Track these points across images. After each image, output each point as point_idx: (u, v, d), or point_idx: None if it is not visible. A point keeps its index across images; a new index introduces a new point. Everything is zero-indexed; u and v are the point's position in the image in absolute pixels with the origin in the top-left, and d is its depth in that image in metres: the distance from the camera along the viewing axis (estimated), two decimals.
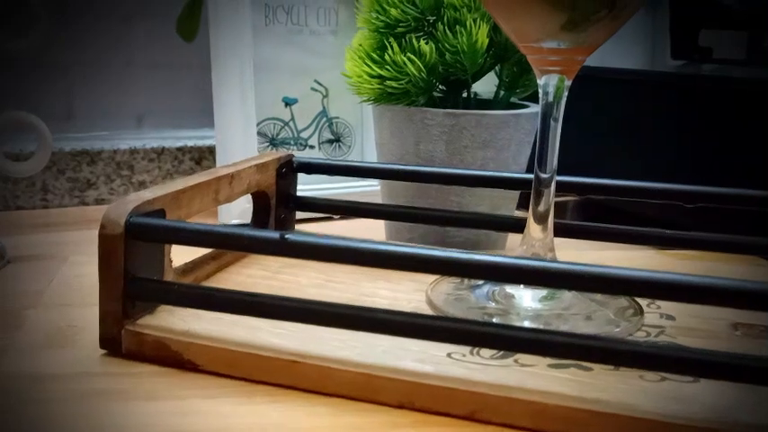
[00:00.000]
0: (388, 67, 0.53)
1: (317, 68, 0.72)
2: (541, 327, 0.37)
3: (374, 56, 0.53)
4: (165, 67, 0.76)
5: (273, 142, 0.70)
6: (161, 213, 0.36)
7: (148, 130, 0.75)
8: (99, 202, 0.72)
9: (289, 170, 0.50)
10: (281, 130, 0.70)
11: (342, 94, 0.72)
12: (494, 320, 0.39)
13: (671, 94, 0.62)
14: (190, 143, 0.76)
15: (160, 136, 0.76)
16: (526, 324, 0.38)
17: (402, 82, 0.52)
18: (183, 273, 0.41)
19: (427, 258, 0.30)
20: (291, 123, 0.71)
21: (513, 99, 0.58)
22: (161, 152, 0.74)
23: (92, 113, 0.73)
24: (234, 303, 0.33)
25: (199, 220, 0.50)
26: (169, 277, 0.37)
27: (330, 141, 0.73)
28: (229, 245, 0.36)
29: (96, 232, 0.34)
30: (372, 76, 0.53)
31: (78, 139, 0.72)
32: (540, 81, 0.39)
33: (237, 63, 0.65)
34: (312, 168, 0.51)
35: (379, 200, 0.58)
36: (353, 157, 0.74)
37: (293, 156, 0.51)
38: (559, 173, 0.41)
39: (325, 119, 0.72)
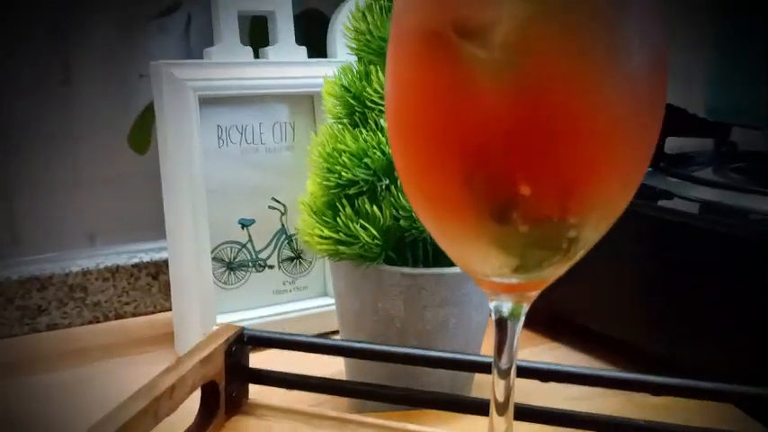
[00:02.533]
0: (340, 230, 0.50)
1: (275, 186, 0.69)
2: None
3: (326, 217, 0.51)
4: (116, 181, 0.73)
5: (231, 266, 0.68)
6: None
7: (101, 248, 0.72)
8: (51, 327, 0.69)
9: (239, 347, 0.48)
10: (238, 252, 0.68)
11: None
12: None
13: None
14: (146, 258, 0.74)
15: (114, 251, 0.73)
16: None
17: (355, 247, 0.50)
18: None
19: None
20: (249, 245, 0.69)
21: None
22: (116, 270, 0.72)
23: (39, 236, 0.70)
24: None
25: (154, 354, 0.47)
26: None
27: (290, 259, 0.71)
28: None
29: None
30: (324, 238, 0.51)
31: (26, 263, 0.69)
32: (491, 304, 0.37)
33: (188, 192, 0.62)
34: (264, 342, 0.49)
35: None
36: (315, 275, 0.72)
37: (243, 330, 0.49)
38: None
39: (284, 236, 0.70)
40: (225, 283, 0.68)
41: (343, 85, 0.52)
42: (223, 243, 0.67)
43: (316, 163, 0.53)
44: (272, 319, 0.67)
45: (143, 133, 0.71)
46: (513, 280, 0.35)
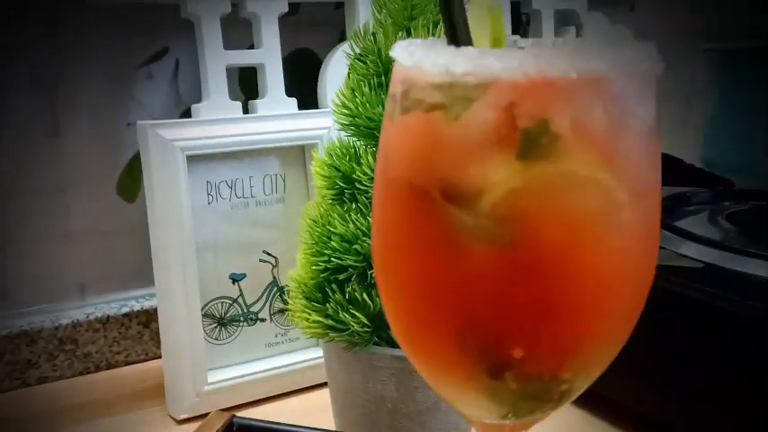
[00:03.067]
0: (329, 315, 0.50)
1: (266, 239, 0.69)
2: None
3: (316, 301, 0.51)
4: (105, 230, 0.72)
5: (222, 322, 0.67)
6: None
7: (92, 298, 0.72)
8: (42, 381, 0.69)
9: None
10: (229, 308, 0.68)
11: (293, 262, 0.69)
12: None
13: None
14: (136, 306, 0.73)
15: (104, 301, 0.72)
16: None
17: (344, 333, 0.49)
18: None
19: None
20: (240, 299, 0.68)
21: None
22: (106, 321, 0.71)
23: (28, 288, 0.70)
24: None
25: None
26: None
27: (282, 311, 0.70)
28: None
29: None
30: (314, 322, 0.50)
31: (15, 316, 0.69)
32: None
33: (178, 251, 0.62)
34: (254, 430, 0.48)
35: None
36: None
37: (233, 419, 0.49)
38: None
39: (275, 288, 0.70)
40: (216, 338, 0.67)
41: (332, 165, 0.51)
42: (214, 299, 0.67)
43: (305, 243, 0.52)
44: (264, 375, 0.67)
45: (132, 181, 0.70)
46: (505, 422, 0.34)
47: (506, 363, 0.31)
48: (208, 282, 0.66)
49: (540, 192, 0.28)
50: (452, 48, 0.29)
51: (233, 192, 0.67)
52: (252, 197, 0.68)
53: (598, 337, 0.31)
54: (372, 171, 0.50)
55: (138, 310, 0.73)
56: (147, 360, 0.73)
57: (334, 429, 0.47)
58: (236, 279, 0.68)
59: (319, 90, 0.71)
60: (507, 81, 0.28)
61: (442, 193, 0.29)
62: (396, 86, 0.32)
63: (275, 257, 0.70)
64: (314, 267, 0.50)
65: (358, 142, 0.52)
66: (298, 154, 0.70)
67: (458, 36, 0.33)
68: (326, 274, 0.50)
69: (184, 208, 0.63)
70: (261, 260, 0.69)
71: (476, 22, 0.34)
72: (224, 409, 0.61)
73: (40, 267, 0.70)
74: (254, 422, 0.49)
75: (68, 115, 0.69)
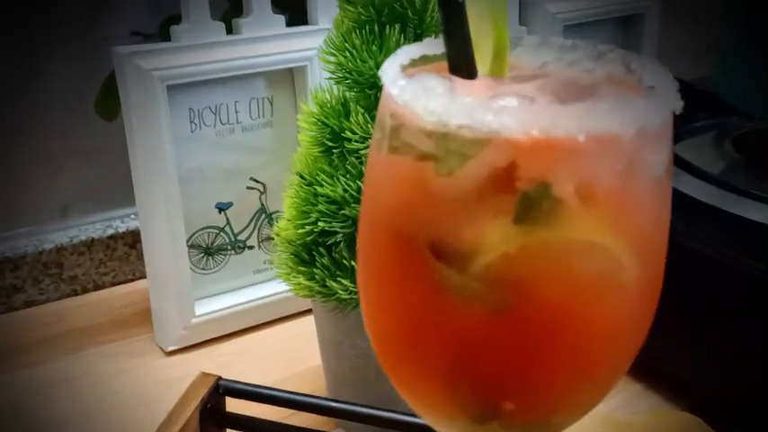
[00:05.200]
0: (316, 280, 0.49)
1: (253, 166, 0.66)
2: None
3: (302, 265, 0.49)
4: (86, 151, 0.70)
5: (208, 252, 0.66)
6: None
7: (75, 220, 0.70)
8: (28, 305, 0.69)
9: (215, 401, 0.48)
10: (216, 237, 0.66)
11: (282, 187, 0.67)
12: None
13: None
14: (122, 227, 0.72)
15: (88, 222, 0.71)
16: None
17: (331, 298, 0.48)
18: None
19: None
20: (227, 228, 0.67)
21: None
22: (91, 243, 0.70)
23: (10, 212, 0.68)
24: None
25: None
26: None
27: (271, 238, 0.69)
28: None
29: None
30: (302, 286, 0.49)
31: None
32: None
33: (160, 185, 0.60)
34: (240, 394, 0.48)
35: None
36: None
37: (219, 382, 0.48)
38: None
39: (263, 216, 0.68)
40: (203, 268, 0.66)
41: (319, 120, 0.48)
42: (200, 229, 0.65)
43: (291, 198, 0.50)
44: (252, 304, 0.66)
45: (110, 101, 0.67)
46: None
47: (495, 413, 0.29)
48: (193, 212, 0.64)
49: (537, 258, 0.26)
50: (448, 94, 0.26)
51: (217, 118, 0.64)
52: (238, 123, 0.65)
53: (590, 389, 0.30)
54: (363, 130, 0.47)
55: (123, 231, 0.71)
56: (135, 280, 0.72)
57: (321, 400, 0.47)
58: (222, 208, 0.66)
59: (309, 5, 0.66)
60: (507, 139, 0.25)
61: (432, 249, 0.27)
62: (384, 117, 0.29)
63: (263, 184, 0.67)
64: (300, 230, 0.48)
65: (349, 93, 0.49)
66: (286, 76, 0.66)
67: (459, 66, 0.29)
68: (313, 236, 0.49)
69: (165, 139, 0.60)
70: (248, 187, 0.67)
71: (477, 26, 0.31)
72: (211, 340, 0.62)
73: (20, 190, 0.68)
74: (239, 385, 0.48)
75: (42, 30, 0.65)
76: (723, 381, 0.55)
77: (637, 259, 0.27)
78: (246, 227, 0.68)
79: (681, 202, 0.58)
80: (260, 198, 0.68)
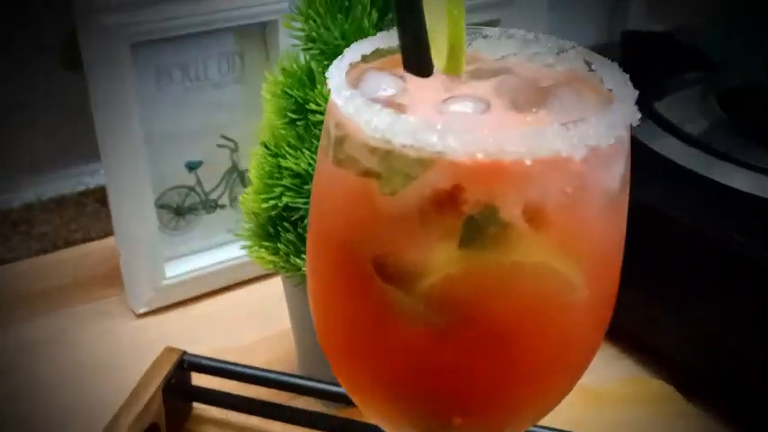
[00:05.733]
0: (281, 255, 0.48)
1: (223, 123, 0.65)
2: None
3: (267, 239, 0.48)
4: (52, 106, 0.68)
5: (179, 212, 0.65)
6: None
7: (44, 176, 0.69)
8: None
9: (180, 376, 0.47)
10: (186, 197, 0.65)
11: (254, 144, 0.66)
12: None
13: None
14: (92, 183, 0.70)
15: (57, 177, 0.70)
16: None
17: (296, 273, 0.48)
18: None
19: None
20: (198, 187, 0.65)
21: None
22: (60, 200, 0.69)
23: None
24: None
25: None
26: None
27: None
28: None
29: None
30: (266, 260, 0.49)
31: None
32: None
33: (126, 146, 0.58)
34: (205, 369, 0.48)
35: None
36: None
37: (183, 356, 0.48)
38: None
39: (235, 174, 0.67)
40: (174, 229, 0.65)
41: (284, 91, 0.47)
42: (169, 189, 0.64)
43: (256, 168, 0.49)
44: (223, 265, 0.65)
45: (73, 52, 0.64)
46: None
47: (444, 427, 0.29)
48: (162, 172, 0.63)
49: (483, 281, 0.25)
50: (393, 112, 0.24)
51: (185, 75, 0.62)
52: (206, 79, 0.63)
53: (542, 400, 0.29)
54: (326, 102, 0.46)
55: (93, 187, 0.70)
56: (106, 236, 0.71)
57: (284, 376, 0.46)
58: (192, 167, 0.65)
59: None
60: (451, 161, 0.24)
61: (376, 267, 0.26)
62: (330, 125, 0.27)
63: (234, 141, 0.66)
64: (264, 205, 0.47)
65: (315, 63, 0.47)
66: (256, 31, 0.64)
67: (412, 62, 0.28)
68: (278, 211, 0.47)
69: (130, 99, 0.58)
70: (219, 145, 0.65)
71: (433, 20, 0.29)
72: (182, 302, 0.61)
73: None
74: (204, 360, 0.48)
75: None
76: (697, 349, 0.55)
77: (587, 277, 0.26)
78: (218, 186, 0.66)
79: (659, 166, 0.57)
80: (231, 156, 0.66)
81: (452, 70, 0.30)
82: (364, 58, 0.30)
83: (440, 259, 0.25)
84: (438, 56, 0.30)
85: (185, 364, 0.48)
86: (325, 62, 0.46)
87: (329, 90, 0.27)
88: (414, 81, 0.29)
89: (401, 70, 0.30)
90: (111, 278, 0.65)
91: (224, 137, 0.65)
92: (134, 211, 0.60)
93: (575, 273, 0.26)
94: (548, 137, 0.23)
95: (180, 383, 0.47)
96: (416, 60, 0.30)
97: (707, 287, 0.54)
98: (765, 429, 0.50)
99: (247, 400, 0.48)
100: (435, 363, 0.27)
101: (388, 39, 0.31)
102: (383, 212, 0.25)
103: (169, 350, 0.48)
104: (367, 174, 0.25)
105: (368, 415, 0.31)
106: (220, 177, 0.66)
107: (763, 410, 0.49)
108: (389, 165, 0.25)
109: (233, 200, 0.67)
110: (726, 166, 0.58)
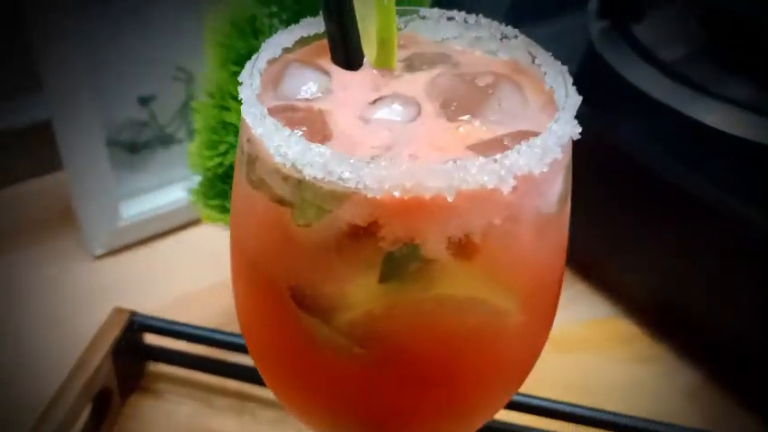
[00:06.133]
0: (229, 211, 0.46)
1: (177, 53, 0.61)
2: None
3: (213, 198, 0.46)
4: None
5: (133, 148, 0.63)
6: None
7: None
8: None
9: (130, 337, 0.46)
10: (140, 132, 0.62)
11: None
12: None
13: None
14: (38, 116, 0.67)
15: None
16: None
17: None
18: None
19: None
20: (152, 122, 0.63)
21: None
22: (4, 133, 0.66)
23: None
24: None
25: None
26: None
27: None
28: None
29: None
30: (213, 217, 0.47)
31: None
32: None
33: (69, 78, 0.55)
34: (155, 330, 0.47)
35: None
36: None
37: (133, 317, 0.47)
38: None
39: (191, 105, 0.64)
40: (129, 166, 0.63)
41: (225, 41, 0.43)
42: (121, 125, 0.61)
43: (200, 123, 0.46)
44: (181, 204, 0.63)
45: None
46: None
47: None
48: (112, 106, 0.60)
49: (407, 315, 0.24)
50: (303, 141, 0.22)
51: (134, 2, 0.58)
52: (157, 4, 0.59)
53: (479, 415, 0.28)
54: None
55: (38, 121, 0.66)
56: (56, 171, 0.68)
57: (235, 336, 0.45)
58: (145, 100, 0.62)
59: None
60: (367, 197, 0.22)
61: (293, 297, 0.24)
62: (243, 139, 0.25)
63: (189, 72, 0.63)
64: (209, 162, 0.45)
65: (260, 8, 0.44)
66: None
67: (339, 55, 0.25)
68: (224, 169, 0.45)
69: (74, 26, 0.54)
70: (173, 77, 0.62)
71: (363, 7, 0.26)
72: (141, 242, 0.59)
73: None
74: (154, 321, 0.47)
75: None
76: (661, 288, 0.54)
77: (523, 302, 0.25)
78: (174, 119, 0.63)
79: (629, 97, 0.55)
80: (187, 89, 0.63)
81: (384, 63, 0.27)
82: (286, 50, 0.27)
83: (359, 294, 0.23)
84: (369, 45, 0.27)
85: (135, 326, 0.46)
86: (273, 7, 0.43)
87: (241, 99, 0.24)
88: (340, 76, 0.27)
89: (328, 62, 0.27)
90: (63, 218, 0.63)
91: (178, 68, 0.61)
92: (83, 149, 0.58)
93: (508, 301, 0.24)
94: (472, 172, 0.21)
95: (131, 344, 0.46)
96: (344, 52, 0.27)
97: (670, 226, 0.52)
98: (728, 370, 0.50)
99: (202, 359, 0.47)
100: (365, 391, 0.25)
101: (315, 25, 0.28)
102: (298, 243, 0.23)
103: (118, 311, 0.46)
104: (280, 201, 0.23)
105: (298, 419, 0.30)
106: (176, 110, 0.63)
107: (726, 351, 0.49)
108: (302, 196, 0.22)
109: (191, 134, 0.64)
110: (700, 100, 0.55)
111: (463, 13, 0.28)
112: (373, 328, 0.23)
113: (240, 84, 0.25)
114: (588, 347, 0.54)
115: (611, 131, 0.53)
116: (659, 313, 0.54)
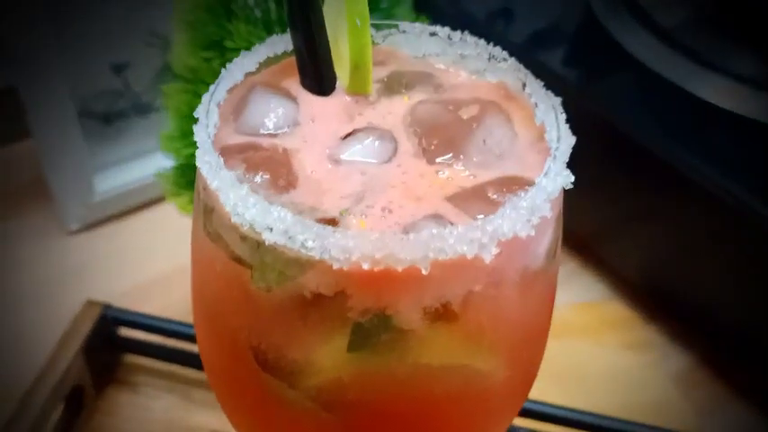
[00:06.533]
0: None
1: (151, 18, 0.58)
2: None
3: (187, 185, 0.44)
4: None
5: (108, 119, 0.60)
6: None
7: None
8: None
9: (103, 331, 0.45)
10: (114, 102, 0.60)
11: None
12: None
13: None
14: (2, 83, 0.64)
15: None
16: None
17: None
18: None
19: None
20: (127, 91, 0.60)
21: None
22: None
23: None
24: None
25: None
26: None
27: None
28: None
29: None
30: (187, 208, 0.45)
31: None
32: None
33: (39, 50, 0.52)
34: (127, 324, 0.45)
35: None
36: None
37: (106, 312, 0.45)
38: None
39: (169, 73, 0.61)
40: (103, 137, 0.60)
41: (195, 25, 0.40)
42: (94, 95, 0.58)
43: (174, 105, 0.44)
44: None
45: None
46: None
47: None
48: (84, 75, 0.57)
49: (378, 383, 0.22)
50: (260, 200, 0.19)
51: None
52: None
53: None
54: (246, 41, 0.40)
55: (6, 87, 0.63)
56: (27, 138, 0.65)
57: None
58: (118, 68, 0.59)
59: None
60: (332, 268, 0.19)
61: (255, 357, 0.22)
62: (199, 185, 0.22)
63: (164, 37, 0.59)
64: (184, 151, 0.42)
65: None
66: None
67: (308, 80, 0.23)
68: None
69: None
70: (146, 42, 0.59)
71: (336, 23, 0.24)
72: (117, 215, 0.57)
73: None
74: (126, 315, 0.45)
75: None
76: (654, 268, 0.52)
77: (506, 360, 0.23)
78: (150, 88, 0.60)
79: (626, 67, 0.52)
80: (162, 54, 0.60)
81: (357, 88, 0.24)
82: (248, 74, 0.24)
83: (326, 362, 0.21)
84: (342, 67, 0.25)
85: (108, 319, 0.44)
86: None
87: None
88: (310, 104, 0.24)
89: (296, 83, 0.24)
90: (36, 189, 0.60)
91: (152, 33, 0.58)
92: (53, 120, 0.55)
93: (489, 361, 0.22)
94: (450, 242, 0.19)
95: (104, 338, 0.45)
96: (314, 75, 0.24)
97: (664, 206, 0.50)
98: (721, 356, 0.48)
99: (178, 352, 0.46)
100: None
101: (283, 44, 0.25)
102: (260, 305, 0.21)
103: (89, 304, 0.44)
104: (238, 260, 0.21)
105: None
106: (152, 78, 0.59)
107: (719, 336, 0.47)
108: (261, 259, 0.20)
109: None
110: (699, 73, 0.52)
111: (447, 29, 0.25)
112: (343, 394, 0.22)
113: (196, 121, 0.22)
114: (577, 332, 0.52)
115: (605, 107, 0.50)
116: (653, 296, 0.52)
